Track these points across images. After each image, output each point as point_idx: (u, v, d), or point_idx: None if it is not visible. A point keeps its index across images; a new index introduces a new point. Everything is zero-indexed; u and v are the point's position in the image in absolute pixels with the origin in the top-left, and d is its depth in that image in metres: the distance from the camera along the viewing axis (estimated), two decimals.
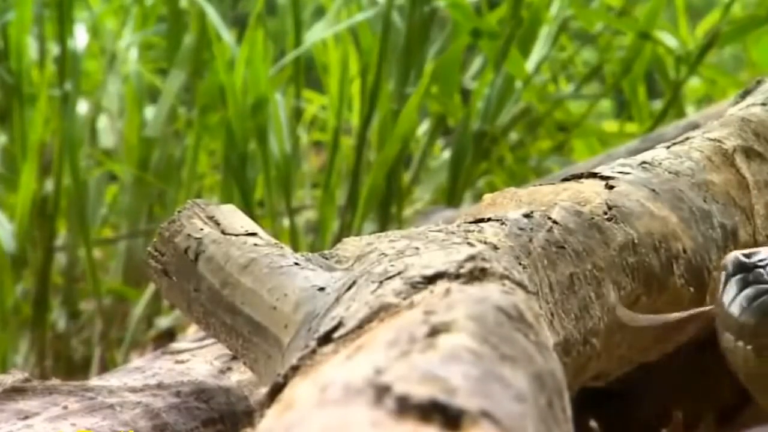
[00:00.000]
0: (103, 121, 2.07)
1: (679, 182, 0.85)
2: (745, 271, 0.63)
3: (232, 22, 2.06)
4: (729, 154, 0.90)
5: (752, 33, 1.92)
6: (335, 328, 0.52)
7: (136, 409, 0.90)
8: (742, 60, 2.30)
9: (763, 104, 1.00)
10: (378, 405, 0.39)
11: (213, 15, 1.80)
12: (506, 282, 0.54)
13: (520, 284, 0.55)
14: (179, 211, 0.80)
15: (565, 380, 0.50)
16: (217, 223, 0.78)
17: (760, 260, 0.63)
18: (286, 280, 0.69)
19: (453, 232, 0.70)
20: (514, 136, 1.94)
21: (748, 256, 0.63)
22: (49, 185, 1.75)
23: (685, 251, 0.80)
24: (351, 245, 0.75)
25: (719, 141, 0.91)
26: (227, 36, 1.81)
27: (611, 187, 0.81)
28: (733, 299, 0.62)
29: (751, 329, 0.61)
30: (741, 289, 0.62)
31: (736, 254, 0.64)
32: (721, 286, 0.64)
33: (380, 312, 0.52)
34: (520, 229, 0.73)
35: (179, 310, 0.82)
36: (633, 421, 1.06)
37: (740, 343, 0.62)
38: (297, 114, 1.86)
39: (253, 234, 0.75)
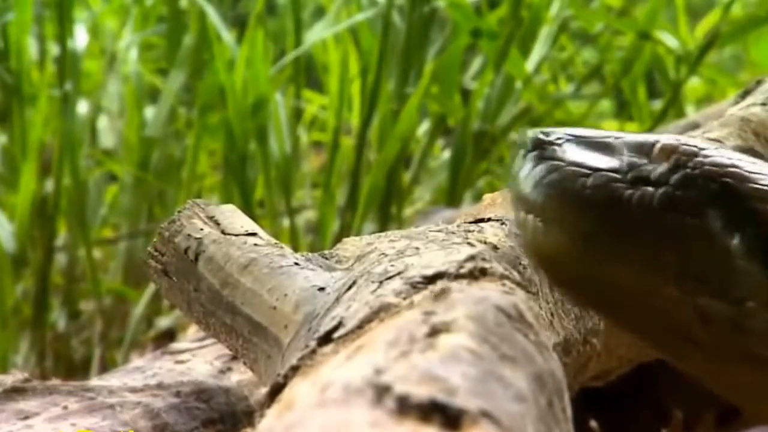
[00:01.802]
0: (103, 121, 2.07)
1: None
2: (541, 147, 0.62)
3: (232, 22, 2.06)
4: None
5: (752, 33, 1.92)
6: (335, 328, 0.52)
7: (136, 409, 0.90)
8: (742, 60, 2.30)
9: (763, 104, 1.00)
10: (378, 405, 0.39)
11: (213, 15, 1.80)
12: (506, 282, 0.54)
13: (520, 284, 0.55)
14: (179, 211, 0.80)
15: (565, 380, 0.50)
16: (217, 223, 0.78)
17: (558, 138, 0.62)
18: (286, 280, 0.69)
19: (453, 232, 0.70)
20: (514, 136, 1.94)
21: (546, 133, 0.63)
22: (49, 185, 1.75)
23: None
24: (351, 245, 0.75)
25: (719, 141, 0.91)
26: (227, 36, 1.81)
27: None
28: (527, 174, 0.62)
29: (541, 204, 0.61)
30: (535, 165, 0.62)
31: (534, 130, 0.64)
32: (518, 161, 0.63)
33: (380, 312, 0.52)
34: None
35: (179, 310, 0.82)
36: (633, 421, 1.06)
37: (530, 218, 0.61)
38: (297, 114, 1.86)
39: (253, 234, 0.75)
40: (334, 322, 0.53)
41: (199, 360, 1.01)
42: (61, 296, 1.79)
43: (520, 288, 0.54)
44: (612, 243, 0.58)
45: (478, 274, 0.54)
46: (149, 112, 1.92)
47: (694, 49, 1.82)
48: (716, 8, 1.88)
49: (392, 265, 0.61)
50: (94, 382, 0.97)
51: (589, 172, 0.60)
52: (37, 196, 1.73)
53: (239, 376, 0.98)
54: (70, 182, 1.73)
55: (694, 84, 2.06)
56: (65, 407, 0.89)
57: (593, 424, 1.07)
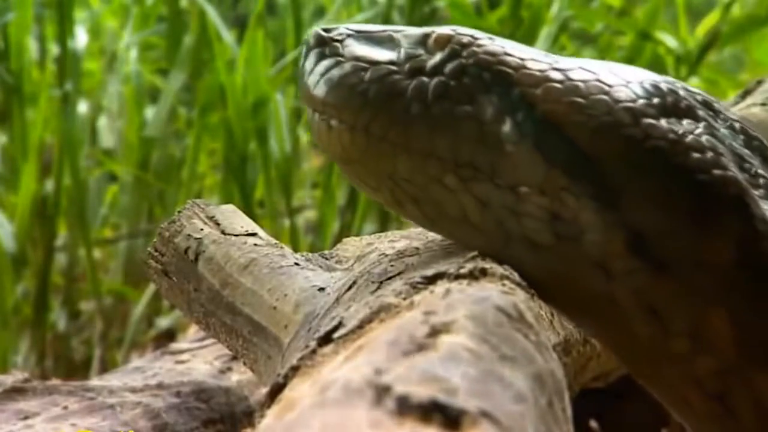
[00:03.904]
0: (103, 121, 2.07)
1: None
2: (323, 44, 0.62)
3: (232, 22, 2.06)
4: None
5: (754, 33, 1.92)
6: (335, 329, 0.52)
7: (136, 409, 0.90)
8: (742, 60, 2.30)
9: (763, 104, 1.00)
10: (378, 405, 0.39)
11: (213, 15, 1.80)
12: (506, 282, 0.54)
13: (520, 284, 0.55)
14: (179, 212, 0.80)
15: (565, 380, 0.50)
16: (217, 224, 0.78)
17: (339, 34, 0.62)
18: (286, 281, 0.69)
19: None
20: None
21: (327, 30, 0.63)
22: (49, 185, 1.75)
23: None
24: (351, 245, 0.75)
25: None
26: (227, 36, 1.81)
27: None
28: (310, 71, 0.62)
29: (322, 101, 0.61)
30: (317, 62, 0.62)
31: (317, 29, 0.64)
32: (302, 59, 0.63)
33: (380, 312, 0.51)
34: None
35: (179, 310, 0.82)
36: (633, 421, 1.06)
37: (316, 116, 0.62)
38: (297, 114, 1.86)
39: (253, 234, 0.75)
40: (334, 323, 0.53)
41: (199, 360, 1.01)
42: (61, 296, 1.79)
43: (520, 288, 0.54)
44: (390, 135, 0.58)
45: (478, 274, 0.54)
46: (149, 112, 1.92)
47: (694, 49, 1.82)
48: (716, 8, 1.88)
49: (392, 266, 0.61)
50: (94, 382, 0.97)
51: (367, 66, 0.60)
52: (37, 196, 1.73)
53: (239, 376, 0.98)
54: (70, 182, 1.73)
55: (694, 84, 2.06)
56: (65, 407, 0.89)
57: (593, 424, 1.07)
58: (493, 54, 0.59)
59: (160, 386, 0.95)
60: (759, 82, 1.08)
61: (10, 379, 0.91)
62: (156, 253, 0.80)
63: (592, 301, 0.56)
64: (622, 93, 0.56)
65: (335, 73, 0.61)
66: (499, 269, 0.54)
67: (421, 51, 0.60)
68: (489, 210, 0.57)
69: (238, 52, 1.76)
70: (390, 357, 0.43)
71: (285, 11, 1.99)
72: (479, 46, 0.59)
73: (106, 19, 2.10)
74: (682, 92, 0.58)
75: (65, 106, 1.73)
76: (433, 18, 1.85)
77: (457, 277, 0.54)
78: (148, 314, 1.75)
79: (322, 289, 0.66)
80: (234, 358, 0.94)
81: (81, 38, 1.87)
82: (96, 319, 1.76)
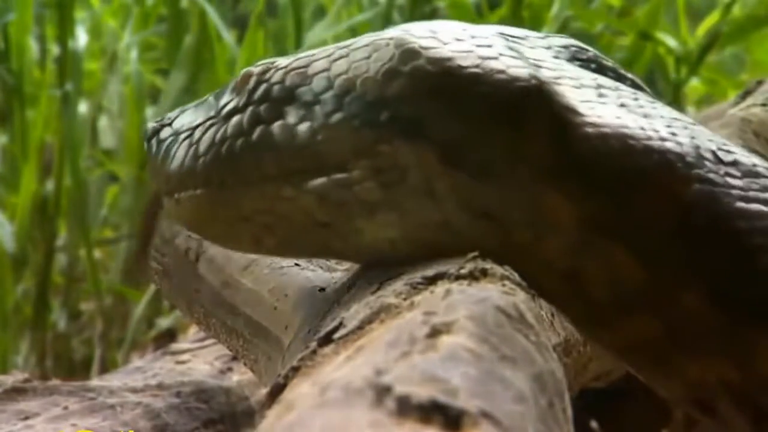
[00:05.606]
0: (103, 121, 2.07)
1: None
2: (158, 132, 0.65)
3: (232, 23, 2.06)
4: None
5: (755, 33, 1.92)
6: (336, 329, 0.52)
7: (136, 410, 0.90)
8: (742, 60, 2.30)
9: (764, 105, 1.00)
10: (378, 406, 0.39)
11: (213, 15, 1.80)
12: (507, 282, 0.54)
13: (520, 285, 0.55)
14: None
15: (565, 381, 0.50)
16: None
17: (168, 117, 0.66)
18: (286, 281, 0.69)
19: None
20: None
21: (159, 120, 0.67)
22: (50, 185, 1.75)
23: None
24: None
25: None
26: (227, 36, 1.81)
27: None
28: (155, 159, 0.64)
29: (168, 178, 0.63)
30: (157, 150, 0.64)
31: (148, 124, 0.67)
32: (148, 156, 0.66)
33: (381, 312, 0.51)
34: None
35: (179, 310, 0.82)
36: (633, 421, 1.06)
37: (169, 201, 0.64)
38: None
39: None
40: (335, 323, 0.53)
41: (200, 360, 1.01)
42: (61, 296, 1.79)
43: (520, 289, 0.54)
44: (227, 180, 0.60)
45: (478, 275, 0.54)
46: (149, 112, 1.92)
47: (695, 49, 1.82)
48: (716, 8, 1.88)
49: (392, 266, 0.61)
50: (95, 382, 0.97)
51: (193, 129, 0.63)
52: (38, 196, 1.73)
53: (239, 376, 0.98)
54: (71, 182, 1.73)
55: (694, 84, 2.06)
56: (66, 407, 0.89)
57: (593, 424, 1.07)
58: (286, 66, 0.61)
59: (160, 386, 0.95)
60: (759, 83, 1.08)
61: (10, 380, 0.92)
62: (157, 254, 0.80)
63: (431, 234, 0.57)
64: (398, 38, 0.58)
65: (172, 149, 0.63)
66: (500, 270, 0.54)
67: (233, 96, 0.63)
68: (327, 199, 0.58)
69: (239, 52, 1.76)
70: (390, 357, 0.44)
71: (285, 11, 1.99)
72: (277, 67, 0.62)
73: (106, 19, 2.10)
74: (467, 27, 0.59)
75: (65, 106, 1.73)
76: (433, 18, 1.85)
77: (458, 277, 0.54)
78: (148, 314, 1.75)
79: (322, 290, 0.66)
80: (234, 358, 0.94)
81: (81, 38, 1.87)
82: (96, 319, 1.76)
